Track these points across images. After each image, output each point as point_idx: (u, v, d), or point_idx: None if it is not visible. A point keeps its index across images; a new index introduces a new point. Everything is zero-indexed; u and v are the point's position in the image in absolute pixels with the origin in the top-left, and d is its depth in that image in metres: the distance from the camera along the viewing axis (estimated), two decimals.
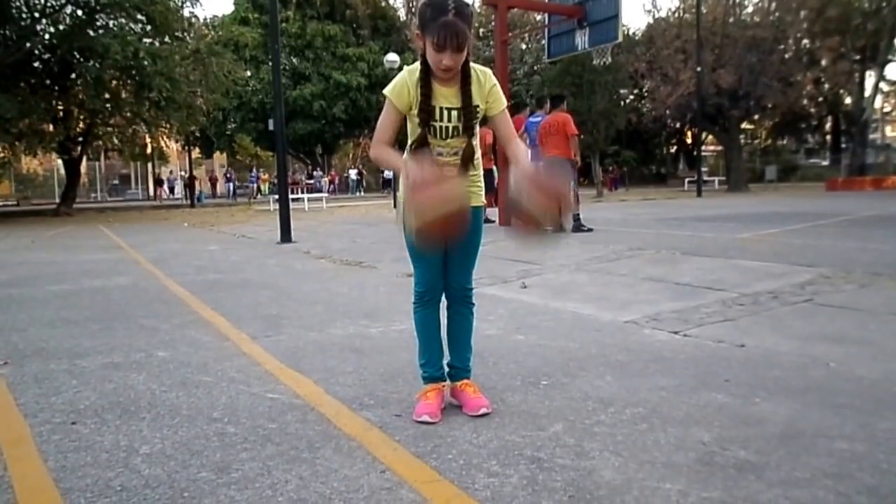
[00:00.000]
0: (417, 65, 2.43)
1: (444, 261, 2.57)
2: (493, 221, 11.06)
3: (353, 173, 44.10)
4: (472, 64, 2.44)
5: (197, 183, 33.38)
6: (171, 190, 41.48)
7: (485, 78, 2.46)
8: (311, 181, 39.43)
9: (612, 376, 2.96)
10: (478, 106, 2.46)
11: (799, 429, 2.31)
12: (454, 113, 2.43)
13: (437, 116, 2.42)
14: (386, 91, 2.44)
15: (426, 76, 2.39)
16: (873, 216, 10.80)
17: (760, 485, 1.91)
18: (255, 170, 41.25)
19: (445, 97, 2.42)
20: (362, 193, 39.82)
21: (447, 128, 2.44)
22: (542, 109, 10.59)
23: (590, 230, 8.94)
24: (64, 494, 1.95)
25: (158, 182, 42.28)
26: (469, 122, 2.44)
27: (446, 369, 2.65)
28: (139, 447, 2.28)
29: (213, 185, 43.19)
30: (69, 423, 2.53)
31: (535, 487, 1.93)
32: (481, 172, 2.61)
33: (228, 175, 41.30)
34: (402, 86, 2.41)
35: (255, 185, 39.12)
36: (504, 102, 2.53)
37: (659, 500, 1.83)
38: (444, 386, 2.63)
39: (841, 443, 2.19)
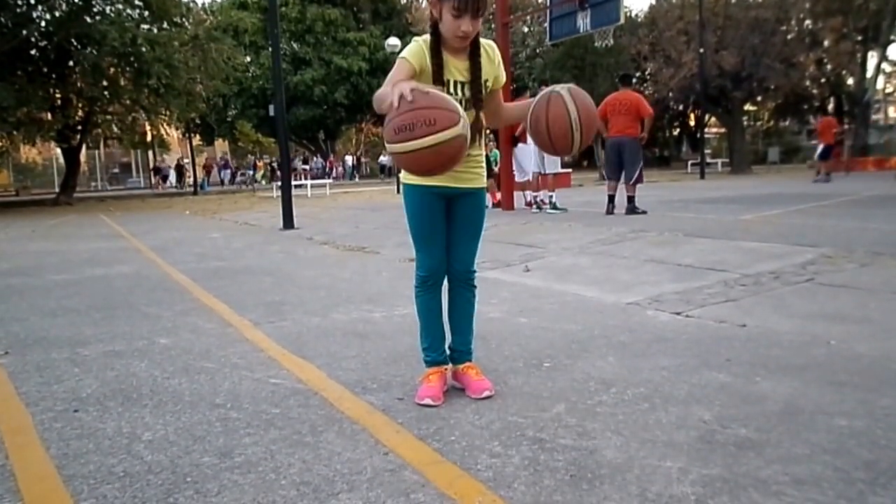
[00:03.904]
0: (428, 37, 2.41)
1: (446, 244, 2.57)
2: (499, 206, 11.06)
3: (348, 159, 43.97)
4: (480, 38, 2.44)
5: (188, 171, 33.34)
6: (164, 179, 41.25)
7: (493, 52, 2.48)
8: (307, 167, 39.26)
9: (615, 357, 2.97)
10: (487, 80, 2.46)
11: (799, 406, 2.32)
12: (460, 87, 2.43)
13: (451, 90, 2.40)
14: (403, 54, 2.37)
15: (437, 48, 2.38)
16: (875, 196, 10.77)
17: (760, 461, 1.91)
18: (252, 156, 41.12)
19: (457, 70, 2.41)
20: (357, 179, 39.72)
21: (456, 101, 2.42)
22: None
23: (644, 212, 8.81)
24: (66, 482, 1.96)
25: (156, 171, 42.14)
26: (478, 94, 2.44)
27: (448, 352, 2.66)
28: (142, 434, 2.29)
29: (209, 174, 42.92)
30: (71, 411, 2.54)
31: (538, 467, 1.93)
32: (484, 153, 2.61)
33: (225, 162, 41.22)
34: (419, 50, 2.37)
35: (252, 173, 39.03)
36: (504, 77, 2.57)
37: (660, 478, 1.83)
38: (446, 369, 2.63)
39: (840, 419, 2.19)
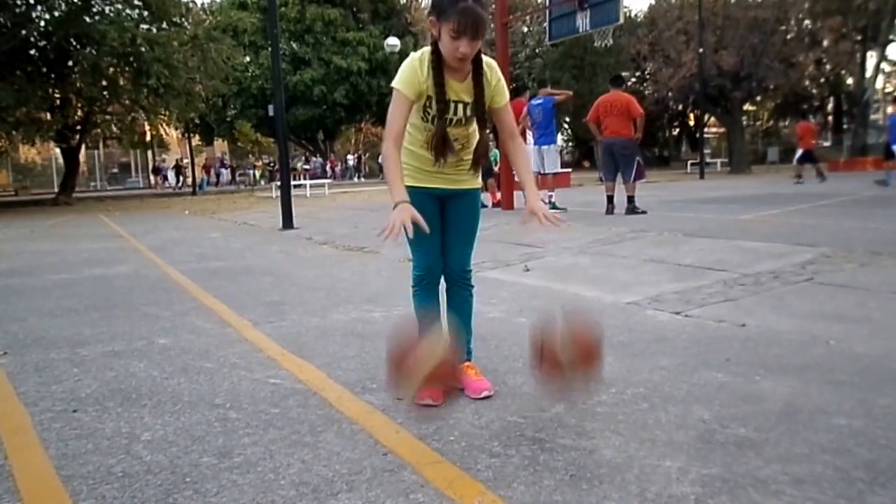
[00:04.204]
0: (425, 52, 2.39)
1: (442, 244, 2.58)
2: (500, 206, 11.06)
3: (350, 158, 43.96)
4: (482, 56, 2.42)
5: (186, 170, 33.34)
6: (165, 178, 41.24)
7: (491, 73, 2.45)
8: (308, 167, 39.25)
9: (614, 357, 2.97)
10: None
11: (798, 406, 2.32)
12: (461, 106, 2.42)
13: (451, 111, 2.41)
14: (395, 84, 2.38)
15: (438, 66, 2.35)
16: (874, 196, 10.77)
17: (759, 461, 1.91)
18: (252, 156, 41.13)
19: (455, 90, 2.40)
20: (362, 179, 39.70)
21: (452, 120, 2.43)
22: (543, 90, 10.52)
23: (643, 212, 8.83)
24: (65, 482, 1.96)
25: (156, 171, 42.12)
26: (482, 115, 2.44)
27: None
28: (141, 434, 2.29)
29: (209, 174, 42.92)
30: (70, 411, 2.54)
31: (537, 467, 1.93)
32: None
33: (224, 162, 41.23)
34: (411, 74, 2.36)
35: (252, 173, 39.04)
36: (507, 96, 2.51)
37: (659, 478, 1.83)
38: None
39: (839, 419, 2.19)
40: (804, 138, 16.76)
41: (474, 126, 2.49)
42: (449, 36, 2.26)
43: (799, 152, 16.83)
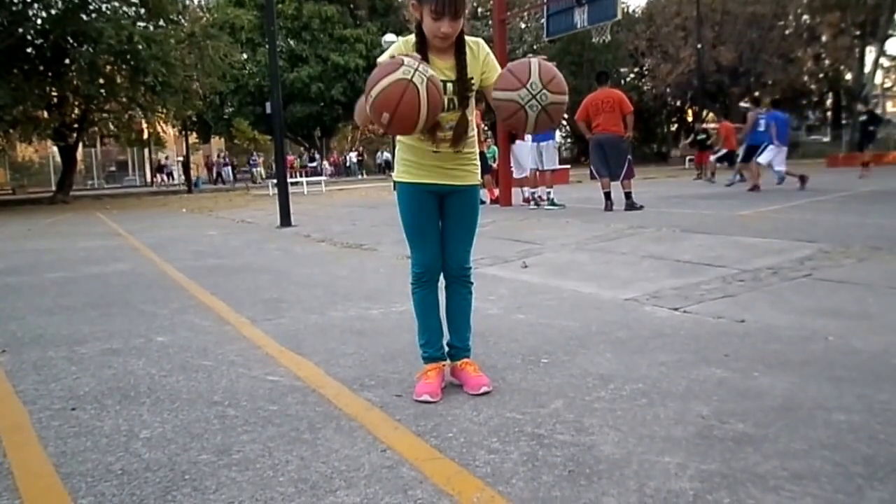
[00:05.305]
0: (410, 37, 2.42)
1: (441, 241, 2.57)
2: (497, 202, 11.06)
3: (353, 156, 43.96)
4: (465, 36, 2.42)
5: (194, 168, 33.31)
6: (170, 175, 41.23)
7: (478, 48, 2.46)
8: (314, 164, 39.23)
9: (613, 353, 2.97)
10: (472, 78, 2.43)
11: (797, 401, 2.32)
12: (449, 86, 2.41)
13: None
14: (380, 60, 2.37)
15: (422, 49, 2.38)
16: (873, 191, 10.78)
17: (758, 457, 1.91)
18: (254, 154, 41.04)
19: (440, 70, 2.39)
20: (363, 176, 39.70)
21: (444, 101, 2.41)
22: None
23: (641, 207, 8.81)
24: (64, 479, 1.96)
25: (159, 169, 42.09)
26: (464, 93, 2.42)
27: (446, 349, 2.66)
28: (139, 431, 2.29)
29: (210, 171, 42.88)
30: (69, 409, 2.54)
31: (536, 463, 1.93)
32: (477, 150, 2.60)
33: (224, 160, 41.21)
34: (399, 50, 2.38)
35: (257, 171, 38.93)
36: (499, 70, 2.48)
37: (658, 473, 1.83)
38: (444, 365, 2.63)
39: (838, 414, 2.19)
40: (728, 139, 16.56)
41: (471, 115, 2.48)
42: (430, 17, 2.30)
43: (722, 152, 16.57)
